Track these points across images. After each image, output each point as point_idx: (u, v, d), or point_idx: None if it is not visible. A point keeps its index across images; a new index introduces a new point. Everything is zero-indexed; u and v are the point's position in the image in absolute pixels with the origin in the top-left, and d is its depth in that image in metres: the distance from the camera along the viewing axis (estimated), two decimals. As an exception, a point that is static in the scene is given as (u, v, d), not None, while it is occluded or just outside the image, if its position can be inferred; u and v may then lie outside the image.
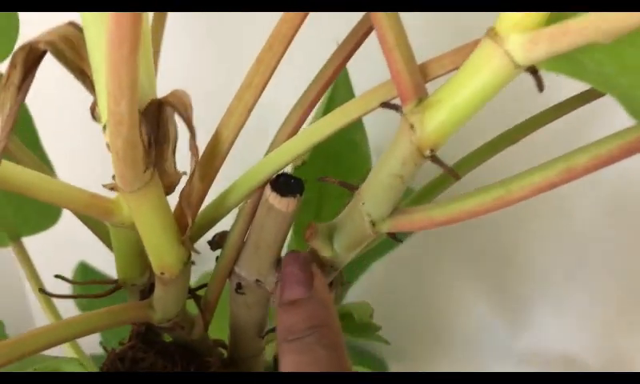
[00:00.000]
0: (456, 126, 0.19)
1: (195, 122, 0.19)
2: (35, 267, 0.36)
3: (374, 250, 0.56)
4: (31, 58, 0.17)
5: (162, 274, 0.22)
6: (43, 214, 0.38)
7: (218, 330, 0.29)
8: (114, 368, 0.25)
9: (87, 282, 0.26)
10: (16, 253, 0.37)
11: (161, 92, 0.20)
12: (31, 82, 0.17)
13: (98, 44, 0.17)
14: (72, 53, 0.17)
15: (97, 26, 0.16)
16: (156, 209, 0.20)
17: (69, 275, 0.49)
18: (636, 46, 0.19)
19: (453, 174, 0.20)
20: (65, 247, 0.56)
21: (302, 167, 0.35)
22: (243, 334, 0.27)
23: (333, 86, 0.32)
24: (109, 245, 0.25)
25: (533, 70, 0.19)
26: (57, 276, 0.26)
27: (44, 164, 0.29)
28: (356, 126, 0.39)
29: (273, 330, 0.27)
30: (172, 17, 0.27)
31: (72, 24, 0.17)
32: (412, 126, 0.19)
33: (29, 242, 0.38)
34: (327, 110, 0.36)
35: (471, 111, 0.18)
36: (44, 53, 0.17)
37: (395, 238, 0.22)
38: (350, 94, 0.38)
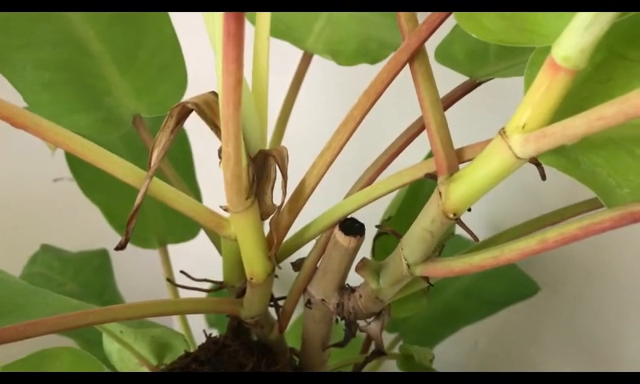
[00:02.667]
0: (472, 199, 0.24)
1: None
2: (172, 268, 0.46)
3: (465, 316, 0.59)
4: (182, 113, 0.26)
5: (251, 278, 0.30)
6: (186, 229, 0.48)
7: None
8: (208, 348, 0.33)
9: (201, 280, 0.34)
10: (160, 255, 0.47)
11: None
12: (180, 128, 0.26)
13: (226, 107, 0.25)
14: (210, 112, 0.26)
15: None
16: (252, 228, 0.28)
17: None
18: (631, 155, 0.24)
19: (473, 236, 0.26)
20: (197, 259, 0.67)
21: (388, 221, 0.41)
22: (310, 344, 0.34)
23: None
24: (219, 249, 0.33)
25: (536, 163, 0.24)
26: (181, 271, 0.35)
27: (190, 188, 0.38)
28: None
29: (334, 345, 0.34)
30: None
31: (212, 92, 0.26)
32: (440, 194, 0.25)
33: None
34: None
35: (484, 189, 0.24)
36: (191, 110, 0.26)
37: (428, 282, 0.28)
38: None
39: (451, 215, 0.25)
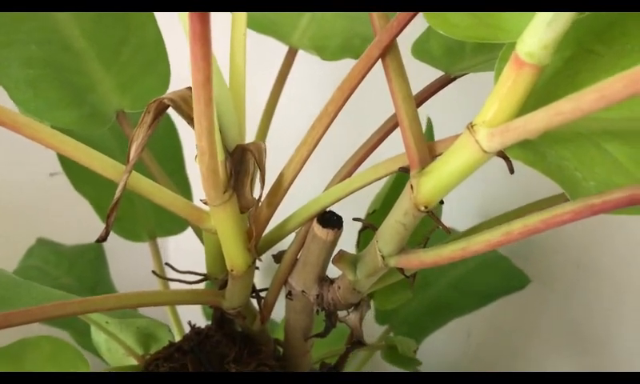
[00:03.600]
0: (442, 192, 0.25)
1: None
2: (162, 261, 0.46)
3: (455, 308, 0.60)
4: (159, 108, 0.26)
5: (232, 270, 0.30)
6: (175, 223, 0.49)
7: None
8: (191, 338, 0.33)
9: (185, 272, 0.35)
10: (151, 248, 0.48)
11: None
12: (157, 124, 0.26)
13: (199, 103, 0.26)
14: (187, 107, 0.27)
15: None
16: (231, 221, 0.29)
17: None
18: (597, 148, 0.24)
19: (444, 228, 0.26)
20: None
21: (373, 214, 0.41)
22: (293, 335, 0.35)
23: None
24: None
25: (504, 156, 0.24)
26: (166, 264, 0.35)
27: (179, 183, 0.39)
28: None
29: (316, 335, 0.34)
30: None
31: (189, 88, 0.27)
32: (412, 187, 0.25)
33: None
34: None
35: (453, 182, 0.24)
36: (168, 106, 0.26)
37: (403, 273, 0.29)
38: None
39: (422, 208, 0.25)
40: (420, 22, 0.28)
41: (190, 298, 0.31)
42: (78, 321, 0.34)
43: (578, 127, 0.25)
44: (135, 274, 0.75)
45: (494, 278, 0.64)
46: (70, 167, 0.45)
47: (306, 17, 0.44)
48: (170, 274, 0.38)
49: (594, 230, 0.61)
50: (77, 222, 0.76)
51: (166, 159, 0.47)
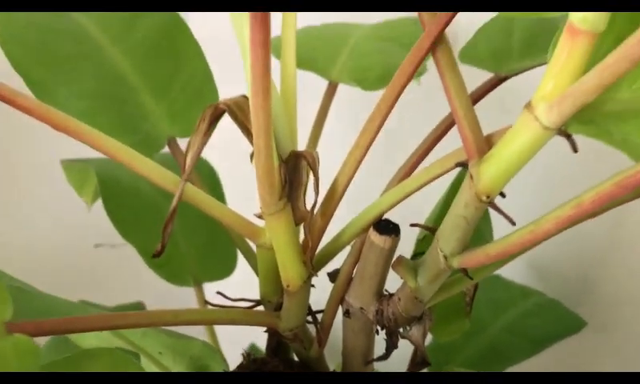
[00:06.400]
0: (504, 178, 0.24)
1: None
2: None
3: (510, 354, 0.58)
4: (214, 115, 0.26)
5: (288, 286, 0.30)
6: (222, 267, 0.49)
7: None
8: (247, 367, 0.32)
9: (237, 299, 0.34)
10: (196, 293, 0.48)
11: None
12: (213, 130, 0.27)
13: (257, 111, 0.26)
14: (241, 114, 0.27)
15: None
16: (286, 232, 0.28)
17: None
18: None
19: (509, 219, 0.25)
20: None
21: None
22: (351, 359, 0.33)
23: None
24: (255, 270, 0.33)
25: (566, 134, 0.24)
26: (218, 292, 0.35)
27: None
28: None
29: (377, 359, 0.33)
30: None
31: (243, 96, 0.27)
32: (472, 177, 0.25)
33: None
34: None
35: (516, 166, 0.24)
36: (223, 112, 0.27)
37: (466, 274, 0.27)
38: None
39: (484, 197, 0.25)
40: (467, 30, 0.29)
41: (246, 319, 0.31)
42: (130, 353, 0.33)
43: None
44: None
45: (548, 322, 0.62)
46: (117, 216, 0.46)
47: (344, 54, 0.45)
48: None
49: None
50: (116, 283, 0.77)
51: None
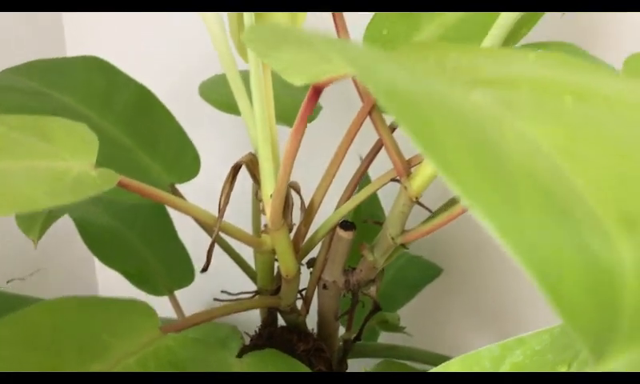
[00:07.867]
0: (425, 186, 0.40)
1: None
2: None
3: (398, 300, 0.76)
4: (236, 168, 0.39)
5: (287, 275, 0.43)
6: (184, 275, 0.60)
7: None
8: (262, 334, 0.45)
9: (239, 293, 0.47)
10: (171, 301, 0.59)
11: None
12: (235, 179, 0.40)
13: (264, 162, 0.39)
14: (253, 167, 0.40)
15: (263, 158, 0.38)
16: (286, 240, 0.42)
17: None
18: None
19: (428, 210, 0.42)
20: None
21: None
22: (326, 317, 0.48)
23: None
24: (245, 271, 0.46)
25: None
26: (222, 291, 0.47)
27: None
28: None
29: (345, 313, 0.48)
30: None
31: (252, 154, 0.40)
32: (405, 187, 0.40)
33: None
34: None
35: (430, 179, 0.40)
36: (240, 165, 0.39)
37: (404, 246, 0.43)
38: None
39: (414, 199, 0.41)
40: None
41: (257, 304, 0.44)
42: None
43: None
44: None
45: (417, 271, 0.82)
46: (99, 250, 0.55)
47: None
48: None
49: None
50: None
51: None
